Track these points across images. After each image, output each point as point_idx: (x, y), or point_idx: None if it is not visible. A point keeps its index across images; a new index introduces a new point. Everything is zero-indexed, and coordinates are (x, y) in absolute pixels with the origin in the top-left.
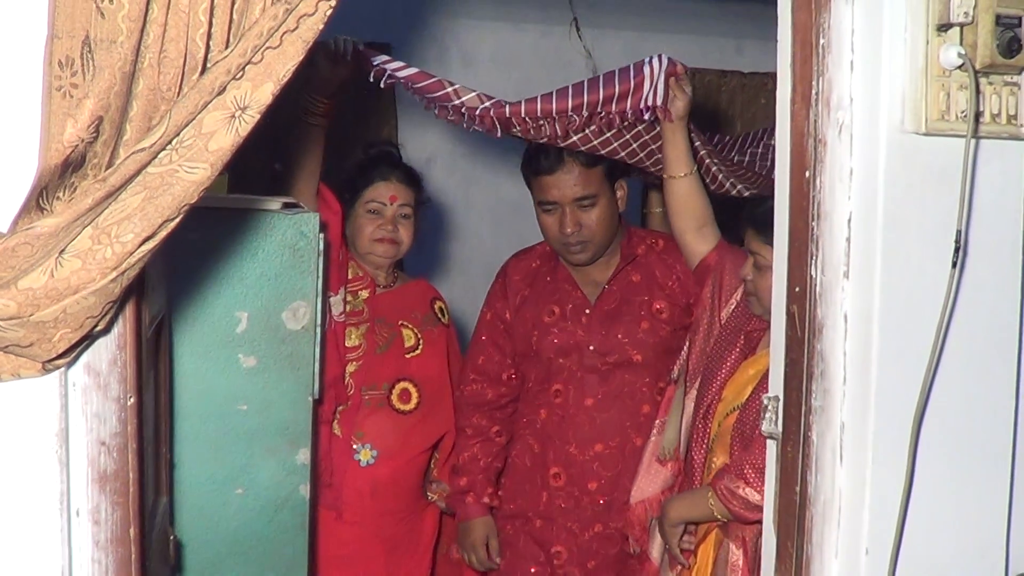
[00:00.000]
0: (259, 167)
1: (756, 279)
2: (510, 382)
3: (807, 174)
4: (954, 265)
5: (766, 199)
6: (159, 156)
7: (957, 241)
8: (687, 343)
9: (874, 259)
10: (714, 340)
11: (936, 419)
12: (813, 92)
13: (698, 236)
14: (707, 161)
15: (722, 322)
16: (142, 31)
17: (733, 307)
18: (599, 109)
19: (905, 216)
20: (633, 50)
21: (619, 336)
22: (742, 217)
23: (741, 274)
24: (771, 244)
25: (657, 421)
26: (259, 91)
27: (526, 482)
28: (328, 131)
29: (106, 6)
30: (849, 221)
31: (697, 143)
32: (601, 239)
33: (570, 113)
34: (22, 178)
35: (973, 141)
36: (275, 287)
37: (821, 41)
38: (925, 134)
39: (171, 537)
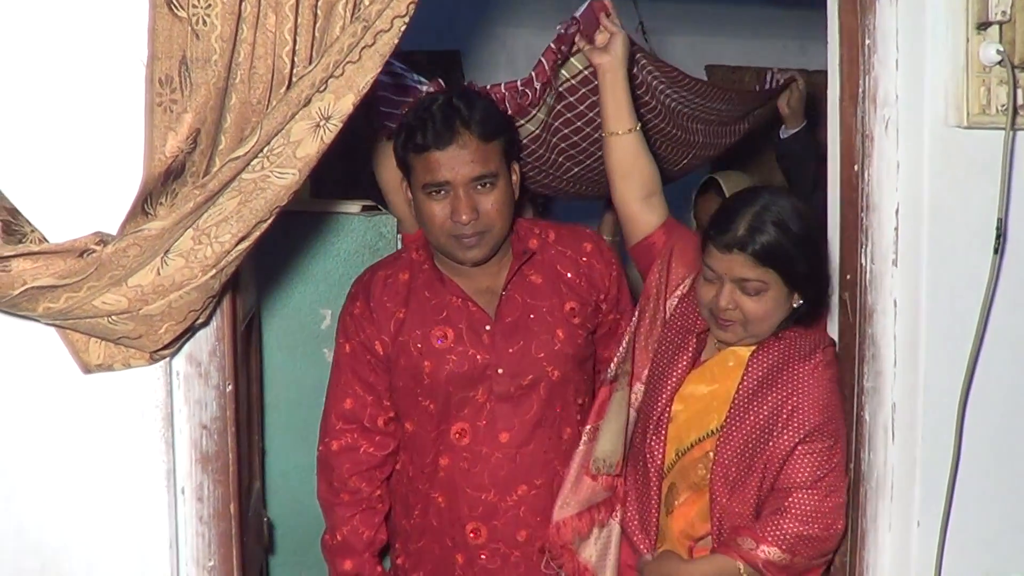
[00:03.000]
0: (338, 174)
1: (750, 304)
2: (387, 429)
3: (856, 168)
4: (996, 252)
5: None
6: (252, 163)
7: (998, 229)
8: (627, 338)
9: (920, 247)
10: (658, 339)
11: (981, 397)
12: (860, 90)
13: (646, 205)
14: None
15: (667, 316)
16: (233, 50)
17: (677, 301)
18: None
19: (949, 206)
20: (699, 52)
21: (532, 351)
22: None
23: (722, 304)
24: (768, 266)
25: (588, 427)
26: (341, 102)
27: (433, 545)
28: None
29: (200, 28)
30: (897, 212)
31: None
32: (499, 230)
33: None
34: (126, 187)
35: (1012, 133)
36: None
37: (867, 42)
38: (967, 128)
39: (265, 519)
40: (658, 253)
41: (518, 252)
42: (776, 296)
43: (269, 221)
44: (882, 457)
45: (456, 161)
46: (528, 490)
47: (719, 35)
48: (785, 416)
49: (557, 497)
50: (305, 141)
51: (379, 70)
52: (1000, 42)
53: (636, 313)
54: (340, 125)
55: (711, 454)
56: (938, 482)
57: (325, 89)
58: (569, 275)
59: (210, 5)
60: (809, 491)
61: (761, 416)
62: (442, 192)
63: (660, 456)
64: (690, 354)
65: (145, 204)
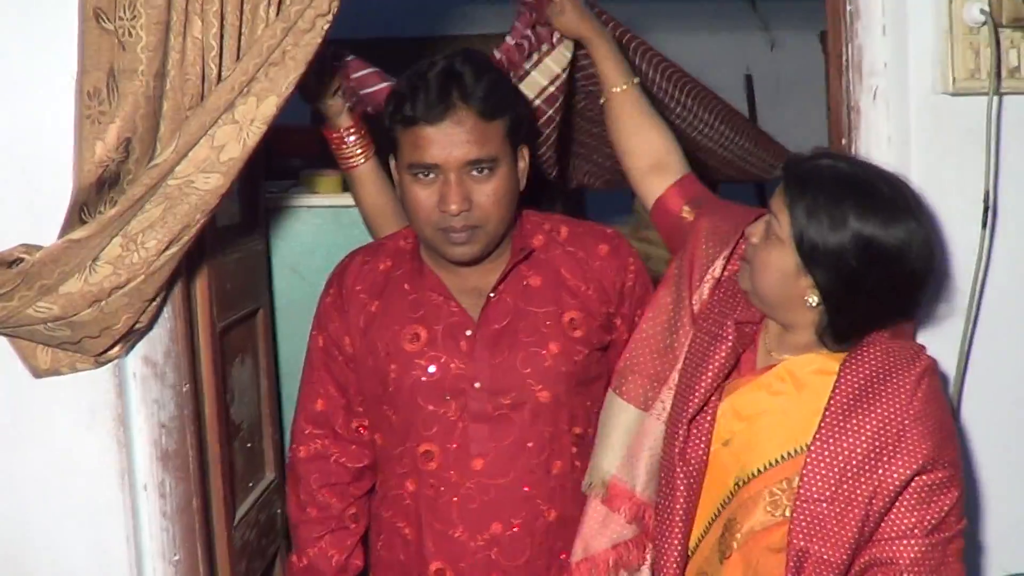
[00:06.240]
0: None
1: (759, 248)
2: (363, 438)
3: (843, 142)
4: (984, 226)
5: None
6: (175, 170)
7: (986, 201)
8: (632, 337)
9: None
10: (692, 337)
11: (978, 381)
12: (844, 59)
13: (655, 171)
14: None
15: (695, 310)
16: (163, 59)
17: (711, 286)
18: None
19: (939, 178)
20: (815, 18)
21: (518, 366)
22: (784, 164)
23: (747, 232)
24: (791, 212)
25: None
26: (264, 104)
27: None
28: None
29: (127, 40)
30: None
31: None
32: (496, 225)
33: None
34: (65, 199)
35: (996, 99)
36: None
37: (849, 8)
38: (953, 94)
39: (278, 511)
40: (674, 215)
41: (518, 249)
42: (781, 259)
43: (197, 227)
44: None
45: (449, 140)
46: (503, 530)
47: None
48: (893, 439)
49: (576, 535)
50: (229, 145)
51: (303, 70)
52: (986, 2)
53: (652, 306)
54: (264, 128)
55: (785, 483)
56: None
57: (248, 92)
58: (574, 280)
59: (135, 16)
60: (925, 539)
61: (863, 438)
62: (430, 175)
63: (696, 474)
64: (729, 345)
65: (82, 213)
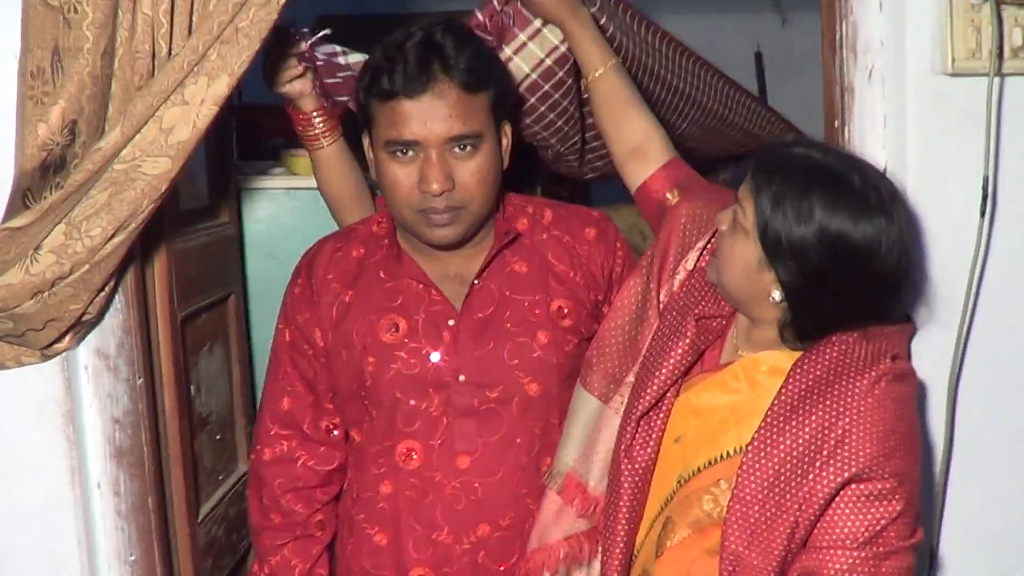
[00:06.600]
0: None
1: (725, 237)
2: (332, 438)
3: (836, 124)
4: (983, 214)
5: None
6: (122, 153)
7: (984, 188)
8: (601, 324)
9: None
10: (654, 332)
11: (972, 379)
12: (838, 36)
13: (641, 159)
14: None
15: (661, 304)
16: (112, 37)
17: (679, 281)
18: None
19: (937, 164)
20: None
21: (504, 357)
22: (755, 153)
23: (717, 219)
24: (756, 201)
25: None
26: (215, 84)
27: None
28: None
29: (72, 16)
30: (885, 171)
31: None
32: (480, 206)
33: None
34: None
35: (997, 80)
36: None
37: None
38: (952, 75)
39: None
40: (657, 202)
41: (501, 233)
42: (745, 251)
43: (146, 213)
44: None
45: (430, 115)
46: (491, 531)
47: None
48: (831, 444)
49: (533, 525)
50: (178, 127)
51: (256, 48)
52: None
53: (623, 293)
54: (216, 109)
55: (723, 483)
56: (933, 459)
57: (198, 71)
58: (561, 266)
59: None
60: (856, 552)
61: (800, 441)
62: (409, 153)
63: (643, 474)
64: (688, 340)
65: (25, 199)
